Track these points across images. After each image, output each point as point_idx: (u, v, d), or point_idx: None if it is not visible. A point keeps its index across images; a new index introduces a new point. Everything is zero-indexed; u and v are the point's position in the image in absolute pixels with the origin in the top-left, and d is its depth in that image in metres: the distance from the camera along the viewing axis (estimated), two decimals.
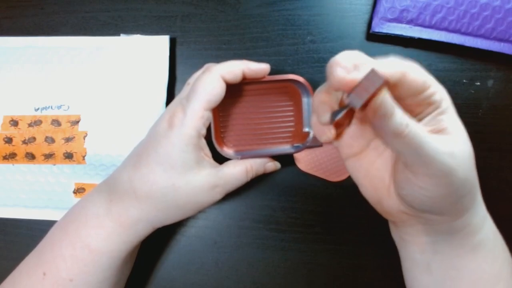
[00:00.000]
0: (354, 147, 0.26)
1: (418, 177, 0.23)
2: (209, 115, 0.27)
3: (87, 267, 0.27)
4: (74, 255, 0.27)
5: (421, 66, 0.24)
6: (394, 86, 0.23)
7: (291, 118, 0.30)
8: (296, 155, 0.35)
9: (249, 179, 0.29)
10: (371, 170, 0.26)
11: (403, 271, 0.29)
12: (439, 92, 0.24)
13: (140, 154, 0.28)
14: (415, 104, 0.24)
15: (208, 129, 0.28)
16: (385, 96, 0.21)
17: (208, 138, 0.28)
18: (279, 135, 0.31)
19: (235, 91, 0.29)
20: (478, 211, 0.25)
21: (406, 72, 0.23)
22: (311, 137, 0.30)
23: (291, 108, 0.30)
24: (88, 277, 0.27)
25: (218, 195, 0.29)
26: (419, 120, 0.24)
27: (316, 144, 0.30)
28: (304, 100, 0.30)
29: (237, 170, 0.29)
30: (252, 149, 0.31)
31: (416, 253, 0.27)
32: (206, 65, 0.30)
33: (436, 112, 0.24)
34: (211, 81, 0.26)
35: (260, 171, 0.30)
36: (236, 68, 0.27)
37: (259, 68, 0.28)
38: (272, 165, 0.31)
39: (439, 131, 0.23)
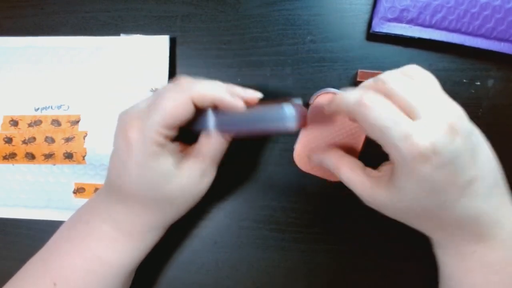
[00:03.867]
0: None
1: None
2: (172, 133, 0.26)
3: (98, 277, 0.27)
4: (85, 265, 0.27)
5: (421, 66, 0.24)
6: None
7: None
8: (296, 155, 0.35)
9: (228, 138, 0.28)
10: None
11: None
12: (394, 159, 0.23)
13: (118, 175, 0.27)
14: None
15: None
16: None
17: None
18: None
19: None
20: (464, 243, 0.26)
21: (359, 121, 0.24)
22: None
23: None
24: (98, 287, 0.28)
25: (210, 174, 0.28)
26: None
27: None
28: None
29: (213, 140, 0.27)
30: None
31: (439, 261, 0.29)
32: (178, 79, 0.27)
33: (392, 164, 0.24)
34: (177, 103, 0.24)
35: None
36: (207, 93, 0.25)
37: (234, 104, 0.25)
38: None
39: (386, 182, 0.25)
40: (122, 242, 0.28)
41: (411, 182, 0.22)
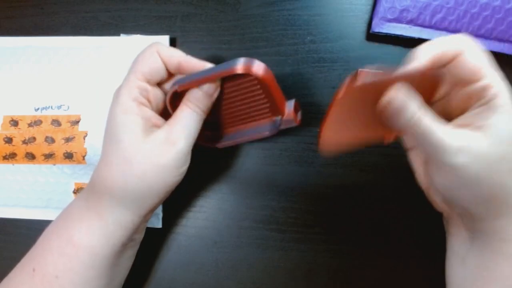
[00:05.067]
0: (412, 141, 0.28)
1: (431, 169, 0.24)
2: (146, 86, 0.27)
3: (71, 263, 0.27)
4: (60, 248, 0.27)
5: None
6: (445, 67, 0.24)
7: (263, 96, 0.28)
8: (324, 137, 0.27)
9: (197, 111, 0.27)
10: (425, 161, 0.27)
11: (446, 258, 0.29)
12: (494, 87, 0.22)
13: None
14: (465, 96, 0.24)
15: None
16: (394, 94, 0.23)
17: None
18: (255, 113, 0.30)
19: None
20: None
21: (463, 53, 0.23)
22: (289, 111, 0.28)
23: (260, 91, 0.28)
24: (73, 275, 0.27)
25: (180, 147, 0.26)
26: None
27: (290, 121, 0.28)
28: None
29: (179, 111, 0.27)
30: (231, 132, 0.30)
31: (455, 245, 0.27)
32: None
33: (484, 108, 0.23)
34: (147, 54, 0.27)
35: (200, 98, 0.27)
36: (174, 52, 0.27)
37: (199, 62, 0.27)
38: (211, 85, 0.27)
39: (477, 127, 0.22)
40: (93, 223, 0.27)
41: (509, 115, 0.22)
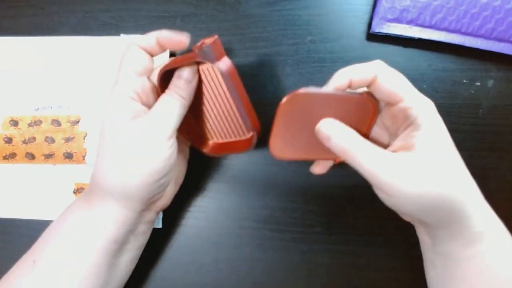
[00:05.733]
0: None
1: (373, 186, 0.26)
2: (136, 80, 0.28)
3: (67, 257, 0.27)
4: (57, 241, 0.28)
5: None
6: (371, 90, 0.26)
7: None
8: (272, 142, 0.29)
9: (175, 96, 0.28)
10: None
11: None
12: (415, 108, 0.25)
13: None
14: (393, 117, 0.26)
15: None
16: (324, 123, 0.26)
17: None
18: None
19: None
20: (473, 223, 0.25)
21: (377, 77, 0.25)
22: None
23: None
24: (70, 270, 0.27)
25: (165, 129, 0.27)
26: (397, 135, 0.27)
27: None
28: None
29: (160, 98, 0.28)
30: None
31: (424, 249, 0.29)
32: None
33: (410, 127, 0.25)
34: (130, 52, 0.28)
35: (179, 85, 0.28)
36: (149, 36, 0.28)
37: (171, 36, 0.28)
38: (186, 70, 0.28)
39: (408, 147, 0.25)
40: (87, 216, 0.28)
41: (434, 130, 0.24)
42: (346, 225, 0.36)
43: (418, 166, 0.24)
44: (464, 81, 0.36)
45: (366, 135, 0.28)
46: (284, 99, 0.26)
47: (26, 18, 0.38)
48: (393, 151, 0.25)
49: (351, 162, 0.25)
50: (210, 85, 0.30)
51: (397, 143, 0.26)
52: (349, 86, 0.26)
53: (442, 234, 0.26)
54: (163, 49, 0.29)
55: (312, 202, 0.36)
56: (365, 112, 0.28)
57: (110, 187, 0.27)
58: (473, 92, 0.36)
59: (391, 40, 0.36)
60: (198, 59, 0.26)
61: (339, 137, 0.26)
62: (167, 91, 0.28)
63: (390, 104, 0.26)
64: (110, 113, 0.27)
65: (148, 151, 0.26)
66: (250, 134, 0.30)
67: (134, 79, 0.28)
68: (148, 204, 0.29)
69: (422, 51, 0.36)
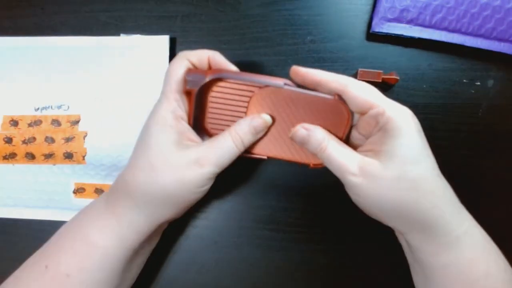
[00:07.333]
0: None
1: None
2: (181, 96, 0.28)
3: (83, 262, 0.27)
4: (74, 247, 0.27)
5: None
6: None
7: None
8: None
9: (238, 146, 0.27)
10: None
11: None
12: (386, 113, 0.25)
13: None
14: (367, 124, 0.27)
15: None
16: (298, 127, 0.27)
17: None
18: None
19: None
20: (447, 230, 0.25)
21: (347, 87, 0.26)
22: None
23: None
24: (84, 275, 0.27)
25: (207, 171, 0.26)
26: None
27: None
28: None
29: (221, 137, 0.27)
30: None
31: (405, 253, 0.30)
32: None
33: (380, 132, 0.26)
34: (177, 65, 0.28)
35: (246, 133, 0.28)
36: (201, 54, 0.28)
37: (223, 63, 0.29)
38: (261, 121, 0.28)
39: (376, 152, 0.25)
40: (109, 223, 0.27)
41: (405, 136, 0.24)
42: (346, 225, 0.36)
43: (382, 173, 0.24)
44: (464, 81, 0.36)
45: (342, 141, 0.28)
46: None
47: (26, 18, 0.38)
48: (364, 152, 0.26)
49: (327, 161, 0.26)
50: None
51: (367, 146, 0.27)
52: (315, 86, 0.27)
53: (414, 240, 0.26)
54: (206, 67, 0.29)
55: (312, 202, 0.36)
56: (339, 117, 0.28)
57: (141, 200, 0.27)
58: (473, 92, 0.36)
59: (391, 40, 0.36)
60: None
61: (316, 133, 0.27)
62: (232, 133, 0.27)
63: (363, 113, 0.27)
64: (155, 128, 0.27)
65: (189, 186, 0.27)
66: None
67: (179, 96, 0.28)
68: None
69: (422, 51, 0.36)
